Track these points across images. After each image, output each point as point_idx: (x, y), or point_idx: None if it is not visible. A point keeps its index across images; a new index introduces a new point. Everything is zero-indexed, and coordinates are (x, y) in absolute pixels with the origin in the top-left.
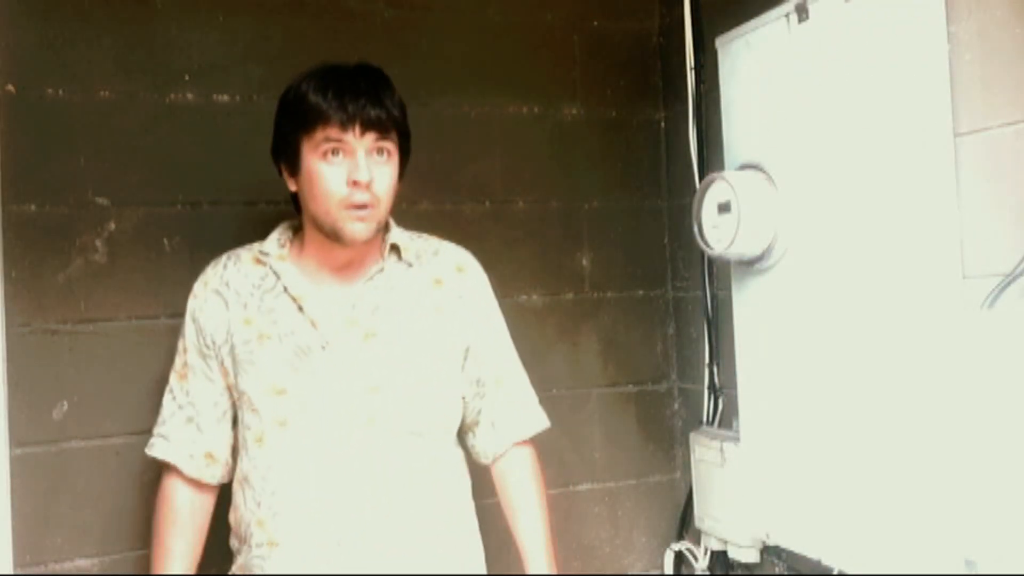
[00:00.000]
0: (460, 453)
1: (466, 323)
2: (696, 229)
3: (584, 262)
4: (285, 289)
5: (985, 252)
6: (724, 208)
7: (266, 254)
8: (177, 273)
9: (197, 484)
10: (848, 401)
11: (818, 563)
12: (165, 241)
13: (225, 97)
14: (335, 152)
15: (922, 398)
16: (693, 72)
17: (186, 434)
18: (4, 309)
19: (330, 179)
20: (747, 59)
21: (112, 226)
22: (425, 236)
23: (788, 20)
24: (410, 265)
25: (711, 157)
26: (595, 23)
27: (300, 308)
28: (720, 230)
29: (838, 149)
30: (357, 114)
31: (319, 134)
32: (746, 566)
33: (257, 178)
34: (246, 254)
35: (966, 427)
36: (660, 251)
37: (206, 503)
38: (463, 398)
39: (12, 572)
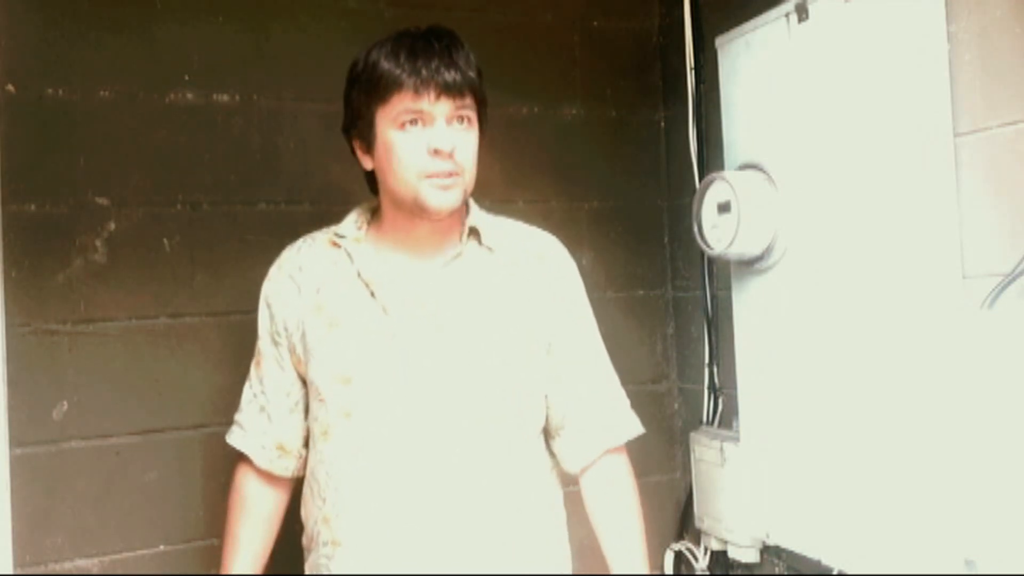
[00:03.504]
0: (548, 458)
1: (548, 315)
2: (696, 229)
3: (584, 262)
4: (358, 274)
5: (985, 252)
6: (724, 208)
7: (342, 236)
8: (177, 273)
9: (268, 475)
10: (848, 401)
11: (818, 563)
12: (165, 241)
13: (225, 97)
14: (413, 122)
15: (922, 398)
16: (693, 72)
17: (258, 424)
18: (4, 309)
19: (408, 149)
20: (747, 59)
21: (112, 226)
22: (508, 219)
23: (788, 20)
24: (491, 250)
25: (711, 157)
26: (595, 23)
27: (372, 293)
28: (720, 230)
29: (838, 149)
30: (431, 78)
31: (395, 104)
32: (746, 566)
33: (257, 178)
34: (322, 236)
35: (966, 427)
36: (660, 251)
37: (278, 494)
38: (546, 397)
39: (12, 572)
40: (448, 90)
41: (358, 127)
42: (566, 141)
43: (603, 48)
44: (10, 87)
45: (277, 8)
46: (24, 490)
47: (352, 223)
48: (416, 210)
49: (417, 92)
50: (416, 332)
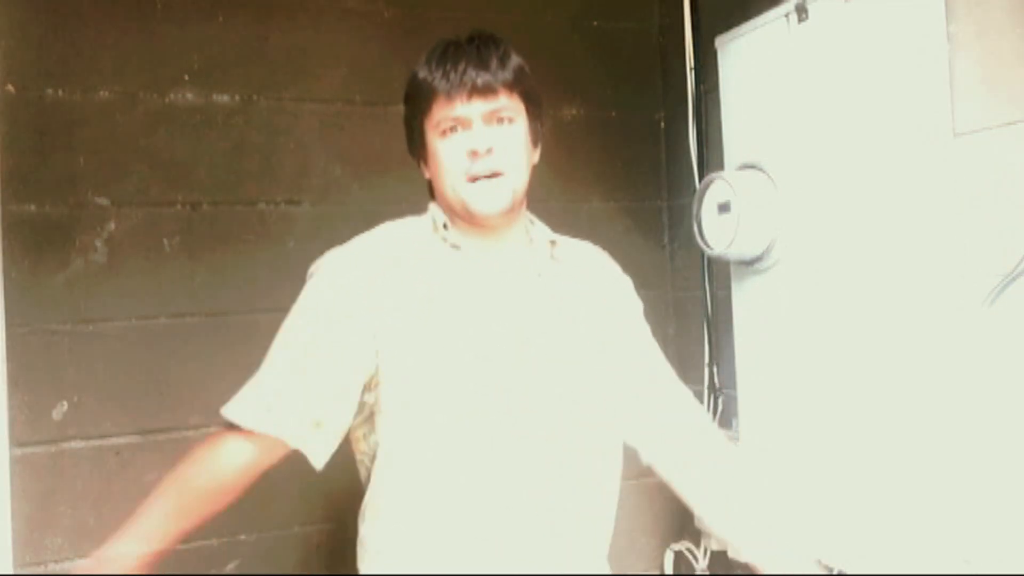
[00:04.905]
0: (619, 467)
1: (620, 329)
2: (696, 229)
3: None
4: (462, 271)
5: (985, 252)
6: (724, 208)
7: (445, 228)
8: (177, 273)
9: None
10: (848, 401)
11: (818, 563)
12: (165, 241)
13: (225, 97)
14: (453, 128)
15: (922, 397)
16: (693, 72)
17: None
18: (4, 309)
19: (450, 154)
20: (747, 59)
21: (112, 226)
22: (559, 235)
23: (788, 20)
24: (558, 262)
25: (711, 157)
26: (595, 23)
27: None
28: (720, 230)
29: (838, 149)
30: (459, 80)
31: (435, 113)
32: (746, 566)
33: (257, 178)
34: (415, 225)
35: (966, 426)
36: (660, 251)
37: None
38: (626, 410)
39: (12, 572)
40: (478, 91)
41: (413, 141)
42: (566, 141)
43: (603, 48)
44: (10, 87)
45: (277, 8)
46: (24, 490)
47: (440, 216)
48: (467, 216)
49: (449, 97)
50: (498, 353)
